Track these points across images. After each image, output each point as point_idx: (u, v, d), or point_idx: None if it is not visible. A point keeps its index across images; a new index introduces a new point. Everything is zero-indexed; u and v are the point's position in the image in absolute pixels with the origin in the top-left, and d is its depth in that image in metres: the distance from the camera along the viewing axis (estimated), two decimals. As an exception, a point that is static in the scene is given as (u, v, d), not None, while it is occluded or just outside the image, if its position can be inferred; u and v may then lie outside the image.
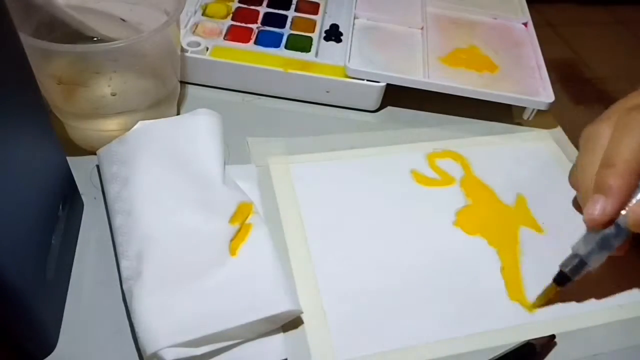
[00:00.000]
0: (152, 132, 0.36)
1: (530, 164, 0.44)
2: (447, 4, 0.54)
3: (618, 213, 0.32)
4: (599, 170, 0.34)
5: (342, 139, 0.44)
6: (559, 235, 0.39)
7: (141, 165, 0.35)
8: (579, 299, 0.35)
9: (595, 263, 0.33)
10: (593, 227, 0.33)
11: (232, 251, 0.33)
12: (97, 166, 0.38)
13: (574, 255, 0.34)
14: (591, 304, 0.35)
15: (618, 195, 0.32)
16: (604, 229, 0.33)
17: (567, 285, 0.34)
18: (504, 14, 0.54)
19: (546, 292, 0.34)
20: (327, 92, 0.46)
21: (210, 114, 0.38)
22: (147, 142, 0.36)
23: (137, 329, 0.29)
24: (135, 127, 0.36)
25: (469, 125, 0.47)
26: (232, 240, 0.33)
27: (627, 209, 0.32)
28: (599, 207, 0.32)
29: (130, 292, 0.30)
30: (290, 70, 0.45)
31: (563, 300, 0.35)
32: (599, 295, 0.36)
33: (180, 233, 0.33)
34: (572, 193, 0.42)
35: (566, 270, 0.34)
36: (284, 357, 0.30)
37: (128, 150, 0.36)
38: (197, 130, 0.37)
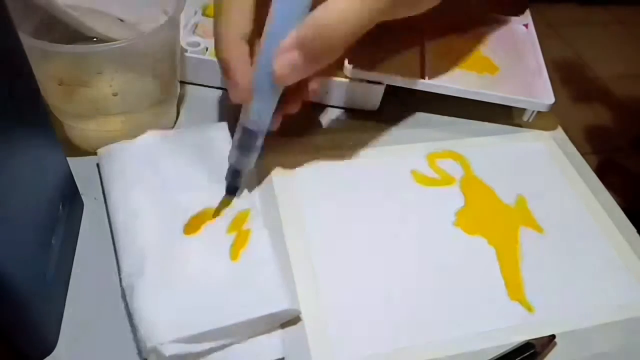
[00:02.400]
0: (161, 140, 0.38)
1: (530, 163, 0.44)
2: (448, 5, 0.54)
3: (248, 88, 0.33)
4: (216, 49, 0.33)
5: (343, 139, 0.44)
6: (559, 235, 0.39)
7: (150, 171, 0.36)
8: (579, 298, 0.35)
9: (248, 165, 0.36)
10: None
11: (233, 256, 0.33)
12: (98, 164, 0.38)
13: (229, 167, 0.36)
14: (591, 304, 0.35)
15: (240, 73, 0.32)
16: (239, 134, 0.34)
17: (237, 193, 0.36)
18: (505, 14, 0.54)
19: (222, 204, 0.36)
20: (326, 92, 0.46)
21: (218, 128, 0.39)
22: (157, 151, 0.37)
23: (137, 324, 0.29)
24: (144, 135, 0.38)
25: (469, 126, 0.47)
26: (232, 245, 0.34)
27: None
28: (232, 93, 0.33)
29: (131, 288, 0.30)
30: (290, 71, 0.45)
31: (563, 300, 0.35)
32: (599, 295, 0.36)
33: (182, 240, 0.33)
34: (572, 193, 0.42)
35: (228, 181, 0.36)
36: (282, 356, 0.30)
37: (136, 155, 0.37)
38: (208, 145, 0.38)
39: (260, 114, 0.34)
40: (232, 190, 0.36)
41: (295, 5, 0.31)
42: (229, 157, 0.36)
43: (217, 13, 0.33)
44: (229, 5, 0.32)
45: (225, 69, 0.33)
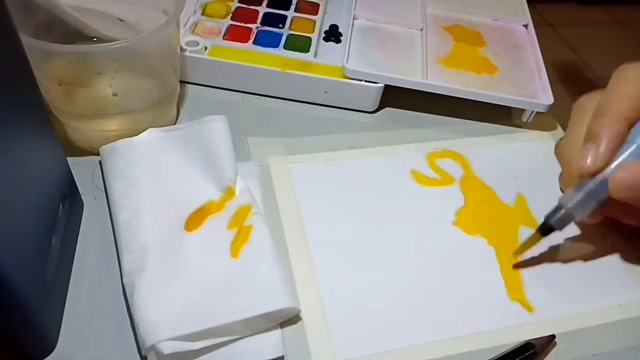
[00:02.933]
0: (163, 138, 0.38)
1: (530, 163, 0.44)
2: (447, 5, 0.54)
3: (607, 162, 0.33)
4: (592, 120, 0.34)
5: (342, 139, 0.44)
6: (559, 235, 0.39)
7: (152, 168, 0.36)
8: (579, 299, 0.35)
9: (580, 214, 0.34)
10: (582, 177, 0.34)
11: (234, 253, 0.33)
12: (100, 162, 0.38)
13: (559, 207, 0.34)
14: (591, 304, 0.35)
15: (607, 143, 0.32)
16: (590, 181, 0.33)
17: (550, 234, 0.35)
18: (505, 15, 0.54)
19: (529, 241, 0.35)
20: (325, 92, 0.46)
21: (217, 120, 0.38)
22: (158, 147, 0.37)
23: (137, 322, 0.29)
24: (145, 132, 0.37)
25: (468, 127, 0.47)
26: (232, 242, 0.34)
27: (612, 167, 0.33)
28: (589, 156, 0.33)
29: (132, 286, 0.31)
30: (288, 71, 0.45)
31: (563, 301, 0.35)
32: (599, 295, 0.36)
33: (183, 237, 0.33)
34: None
35: (551, 221, 0.34)
36: (281, 354, 0.30)
37: (138, 153, 0.37)
38: (209, 138, 0.38)
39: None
40: (547, 231, 0.35)
41: None
42: (562, 200, 0.34)
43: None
44: (621, 85, 0.34)
45: (593, 133, 0.33)
